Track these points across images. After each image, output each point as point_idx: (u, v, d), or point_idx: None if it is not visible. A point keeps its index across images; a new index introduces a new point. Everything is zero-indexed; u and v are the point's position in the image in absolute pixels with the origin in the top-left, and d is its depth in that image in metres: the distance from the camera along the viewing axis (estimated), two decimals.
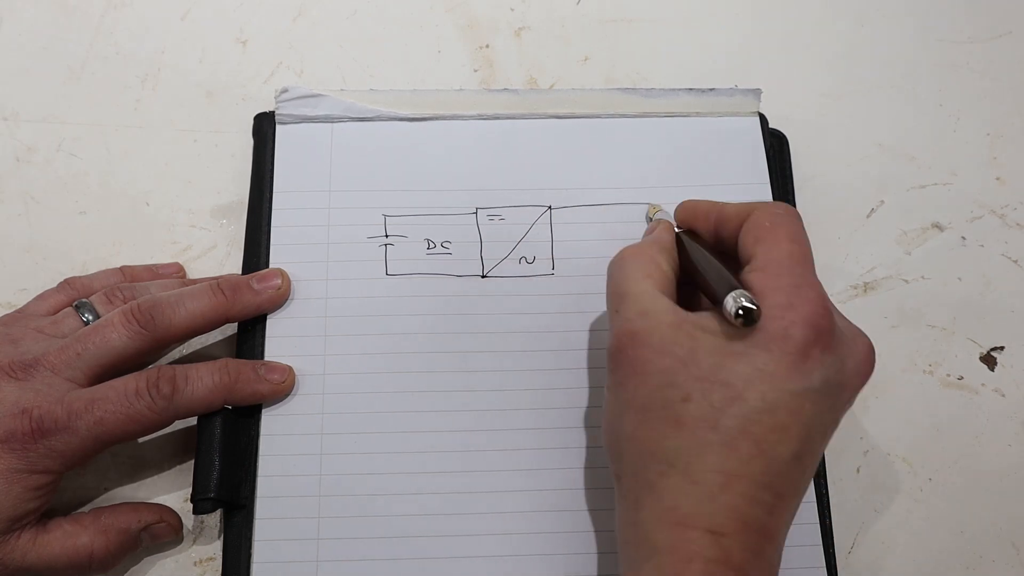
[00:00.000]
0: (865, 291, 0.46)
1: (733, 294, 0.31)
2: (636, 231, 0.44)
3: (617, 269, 0.36)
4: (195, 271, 0.45)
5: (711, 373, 0.31)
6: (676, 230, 0.39)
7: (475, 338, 0.42)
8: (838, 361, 0.32)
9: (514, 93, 0.47)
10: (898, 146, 0.49)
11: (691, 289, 0.37)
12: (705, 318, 0.33)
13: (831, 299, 0.45)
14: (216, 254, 0.46)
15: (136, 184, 0.47)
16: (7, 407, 0.35)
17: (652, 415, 0.32)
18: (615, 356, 0.34)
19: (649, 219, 0.43)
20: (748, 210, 0.36)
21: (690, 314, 0.33)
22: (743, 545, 0.30)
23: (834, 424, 0.33)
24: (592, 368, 0.42)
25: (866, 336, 0.34)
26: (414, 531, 0.39)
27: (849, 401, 0.34)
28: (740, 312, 0.31)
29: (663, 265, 0.36)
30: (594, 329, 0.42)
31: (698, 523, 0.30)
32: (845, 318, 0.34)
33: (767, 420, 0.31)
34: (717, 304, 0.32)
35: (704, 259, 0.36)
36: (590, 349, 0.42)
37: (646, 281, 0.35)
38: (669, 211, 0.41)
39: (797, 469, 0.31)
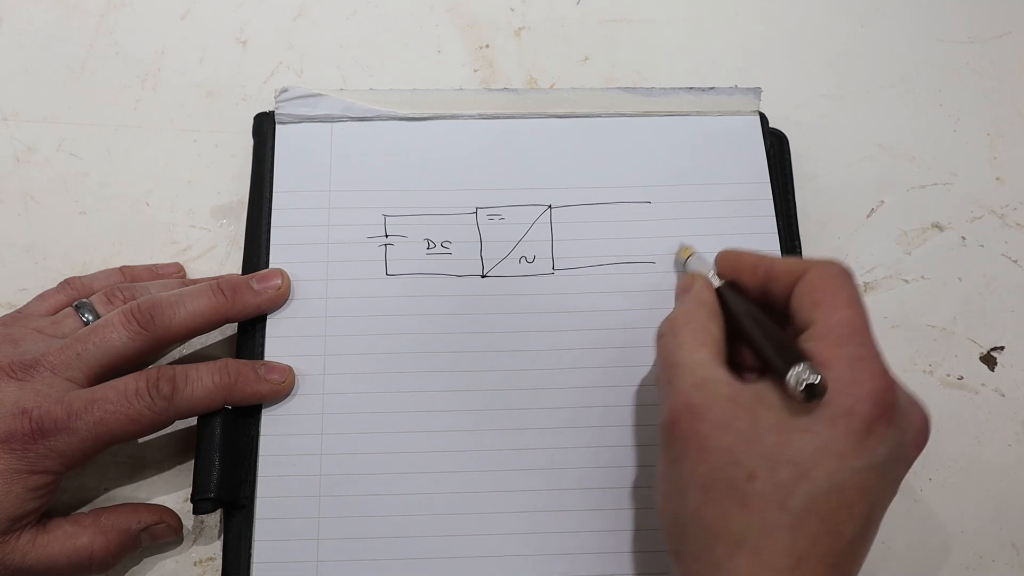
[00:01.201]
0: (865, 291, 0.46)
1: (798, 369, 0.30)
2: (636, 231, 0.44)
3: (670, 338, 0.35)
4: (195, 271, 0.45)
5: (775, 450, 0.30)
6: (718, 282, 0.38)
7: (475, 338, 0.42)
8: (899, 434, 0.31)
9: (514, 93, 0.47)
10: (898, 146, 0.49)
11: (735, 342, 0.36)
12: (765, 390, 0.32)
13: None
14: (216, 254, 0.46)
15: (136, 184, 0.47)
16: (7, 407, 0.35)
17: (716, 494, 0.31)
18: (670, 430, 0.33)
19: (681, 263, 0.42)
20: (802, 269, 0.35)
21: (748, 386, 0.33)
22: None
23: (893, 495, 0.33)
24: (592, 368, 0.41)
25: (921, 405, 0.33)
26: (414, 531, 0.39)
27: (906, 470, 0.33)
28: (805, 388, 0.30)
29: (714, 331, 0.35)
30: (594, 329, 0.42)
31: None
32: (901, 385, 0.33)
33: (834, 499, 0.30)
34: (777, 374, 0.32)
35: (759, 322, 0.34)
36: (590, 349, 0.42)
37: (701, 350, 0.34)
38: (702, 254, 0.40)
39: (861, 545, 0.31)
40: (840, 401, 0.31)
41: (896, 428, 0.31)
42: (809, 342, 0.33)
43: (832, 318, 0.33)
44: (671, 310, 0.38)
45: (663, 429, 0.33)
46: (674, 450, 0.33)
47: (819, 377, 0.30)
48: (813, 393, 0.30)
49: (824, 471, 0.30)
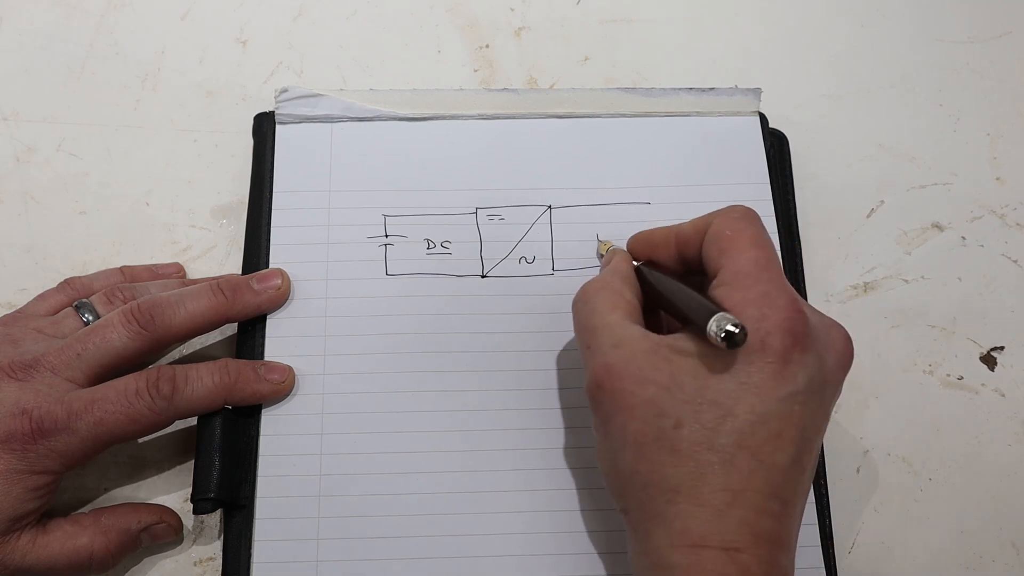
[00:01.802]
0: (865, 291, 0.46)
1: (716, 319, 0.31)
2: (635, 231, 0.44)
3: (582, 305, 0.36)
4: (195, 271, 0.45)
5: (697, 395, 0.31)
6: (635, 263, 0.39)
7: (475, 338, 0.42)
8: (818, 359, 0.32)
9: (514, 93, 0.47)
10: (898, 146, 0.49)
11: (655, 318, 0.37)
12: (680, 339, 0.33)
13: (832, 299, 0.45)
14: (216, 254, 0.46)
15: (136, 184, 0.47)
16: (7, 407, 0.35)
17: (647, 447, 0.32)
18: (595, 393, 0.34)
19: (601, 255, 0.43)
20: (707, 222, 0.35)
21: (664, 337, 0.33)
22: (758, 557, 0.30)
23: (825, 419, 0.33)
24: None
25: (841, 326, 0.34)
26: (414, 531, 0.39)
27: (835, 394, 0.34)
28: (724, 336, 0.31)
29: (628, 295, 0.36)
30: None
31: (711, 542, 0.30)
32: (818, 312, 0.34)
33: (761, 432, 0.31)
34: (698, 328, 0.32)
35: (672, 286, 0.35)
36: None
37: (614, 313, 0.35)
38: (622, 245, 0.41)
39: (798, 472, 0.32)
40: (753, 338, 0.31)
41: (813, 354, 0.32)
42: (718, 288, 0.33)
43: (737, 262, 0.33)
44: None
45: (588, 393, 0.34)
46: (602, 412, 0.33)
47: (737, 323, 0.31)
48: (733, 340, 0.31)
49: (746, 407, 0.31)
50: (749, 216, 0.35)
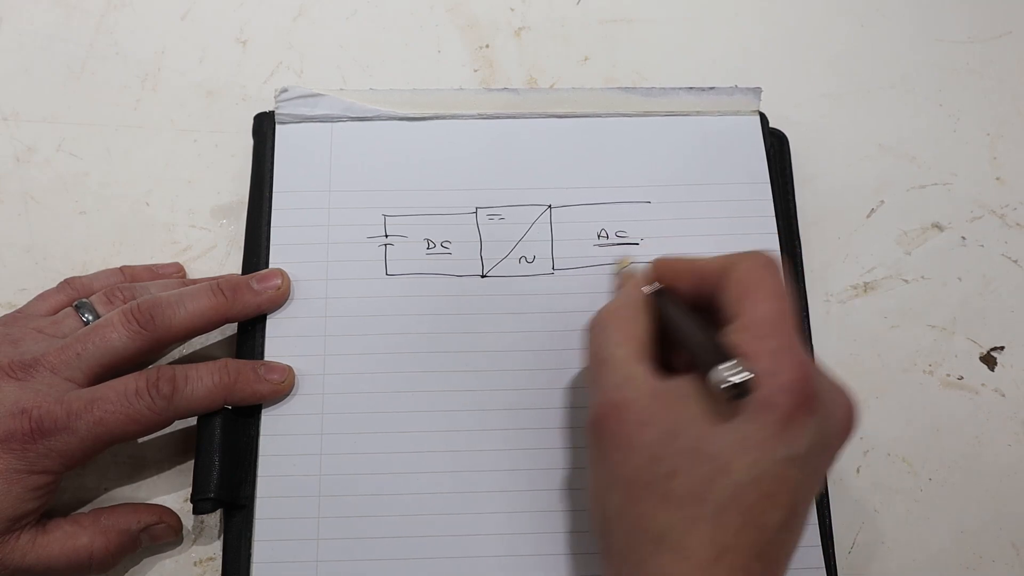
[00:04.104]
0: (865, 291, 0.46)
1: (723, 367, 0.30)
2: (635, 230, 0.44)
3: (596, 333, 0.35)
4: (195, 271, 0.45)
5: (696, 445, 0.31)
6: (653, 286, 0.37)
7: (474, 338, 0.42)
8: (822, 423, 0.31)
9: (514, 93, 0.47)
10: (898, 146, 0.49)
11: (670, 346, 0.36)
12: (686, 385, 0.32)
13: (832, 299, 0.45)
14: (216, 254, 0.46)
15: (136, 184, 0.47)
16: (7, 407, 0.35)
17: (638, 492, 0.31)
18: (596, 428, 0.33)
19: (618, 274, 0.42)
20: (729, 264, 0.35)
21: (670, 382, 0.33)
22: None
23: (818, 485, 0.33)
24: None
25: (846, 392, 0.33)
26: (414, 531, 0.39)
27: (832, 460, 0.33)
28: (728, 387, 0.30)
29: (639, 328, 0.35)
30: None
31: None
32: (825, 374, 0.33)
33: (755, 491, 0.30)
34: (702, 372, 0.31)
35: (686, 323, 0.35)
36: None
37: (625, 347, 0.34)
38: (639, 265, 0.40)
39: (785, 534, 0.31)
40: (760, 394, 0.31)
41: (818, 417, 0.31)
42: (733, 335, 0.33)
43: (756, 311, 0.33)
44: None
45: (589, 428, 0.33)
46: (600, 449, 0.33)
47: (746, 375, 0.30)
48: (741, 391, 0.30)
49: (744, 464, 0.30)
50: (772, 265, 0.34)
